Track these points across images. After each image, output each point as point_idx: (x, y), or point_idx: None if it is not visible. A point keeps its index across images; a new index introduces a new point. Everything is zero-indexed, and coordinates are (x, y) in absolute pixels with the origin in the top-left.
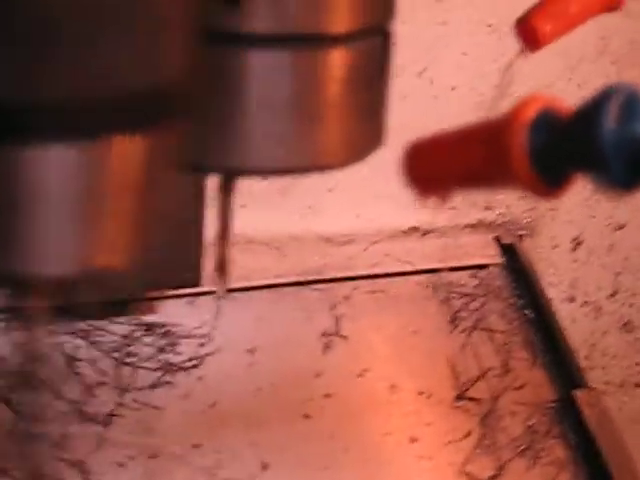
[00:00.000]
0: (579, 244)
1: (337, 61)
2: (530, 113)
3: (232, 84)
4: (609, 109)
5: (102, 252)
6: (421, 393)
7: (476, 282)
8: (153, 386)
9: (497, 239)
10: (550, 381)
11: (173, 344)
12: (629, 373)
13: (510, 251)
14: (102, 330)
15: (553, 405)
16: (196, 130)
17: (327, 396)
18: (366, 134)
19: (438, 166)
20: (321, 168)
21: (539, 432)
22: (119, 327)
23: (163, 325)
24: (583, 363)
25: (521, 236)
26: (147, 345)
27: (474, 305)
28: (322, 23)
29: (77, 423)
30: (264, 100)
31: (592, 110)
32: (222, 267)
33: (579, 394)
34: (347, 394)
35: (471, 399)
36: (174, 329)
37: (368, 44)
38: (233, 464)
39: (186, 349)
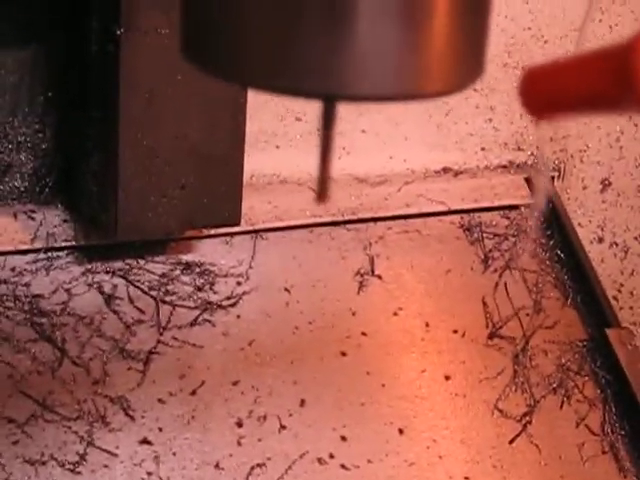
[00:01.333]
0: (608, 185)
1: None
2: None
3: (344, 15)
4: None
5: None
6: (455, 331)
7: (507, 222)
8: (192, 324)
9: (528, 180)
10: (581, 320)
11: (211, 283)
12: None
13: None
14: (141, 269)
15: (584, 343)
16: (299, 51)
17: (363, 334)
18: (470, 62)
19: (557, 89)
20: (425, 96)
21: (571, 370)
22: (157, 266)
23: (201, 264)
24: (611, 303)
25: (551, 177)
26: (185, 284)
27: (506, 245)
28: None
29: (118, 361)
30: (372, 22)
31: None
32: (322, 196)
33: (610, 333)
34: (382, 332)
35: (504, 338)
36: (211, 268)
37: None
38: (271, 400)
39: (224, 288)
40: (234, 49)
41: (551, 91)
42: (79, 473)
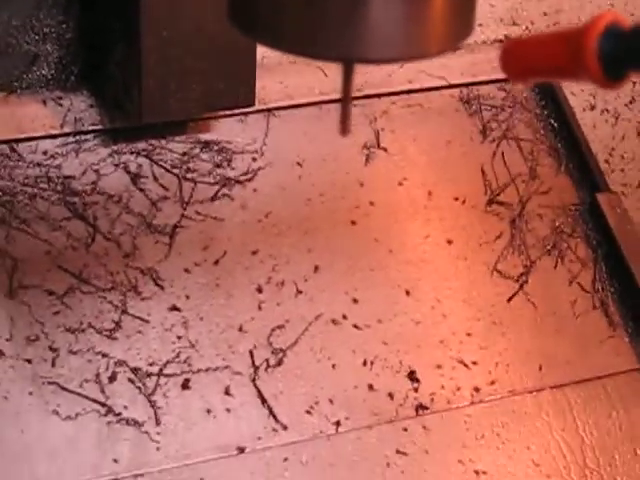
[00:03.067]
0: None
1: None
2: (602, 25)
3: None
4: None
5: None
6: (456, 199)
7: (504, 94)
8: (212, 199)
9: None
10: (574, 185)
11: (228, 160)
12: None
13: None
14: (163, 149)
15: (577, 207)
16: (324, 24)
17: (371, 204)
18: (461, 25)
19: (530, 61)
20: (425, 57)
21: (564, 232)
22: (178, 146)
23: (218, 143)
24: (603, 167)
25: None
26: (205, 161)
27: (503, 116)
28: None
29: (146, 235)
30: (385, 3)
31: None
32: (345, 129)
33: (601, 197)
34: (389, 201)
35: (501, 203)
36: (228, 146)
37: None
38: (288, 267)
39: (240, 164)
40: (272, 21)
41: (525, 62)
42: (115, 339)
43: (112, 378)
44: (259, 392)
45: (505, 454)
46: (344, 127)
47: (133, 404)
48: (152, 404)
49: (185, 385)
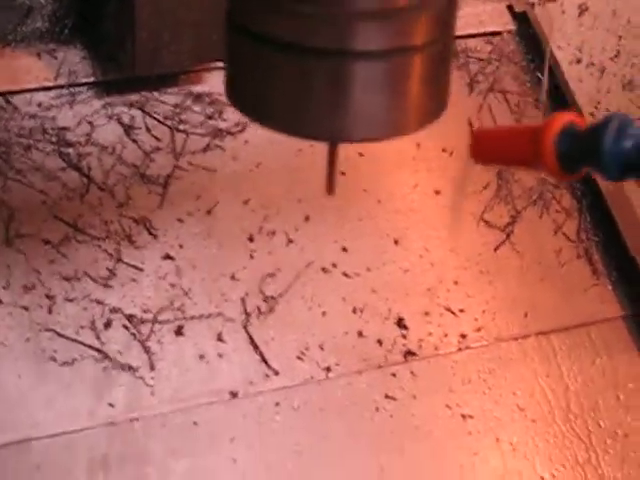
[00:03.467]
0: (585, 10)
1: (416, 63)
2: (558, 125)
3: (342, 84)
4: (610, 129)
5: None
6: (444, 150)
7: (490, 48)
8: (205, 150)
9: (510, 7)
10: None
11: (220, 111)
12: None
13: (522, 18)
14: (156, 101)
15: None
16: (311, 110)
17: (360, 155)
18: (435, 105)
19: (495, 152)
20: (401, 135)
21: (549, 183)
22: (171, 97)
23: (210, 95)
24: (588, 120)
25: (532, 4)
26: (196, 113)
27: (489, 69)
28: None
29: (139, 185)
30: (366, 92)
31: (599, 129)
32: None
33: None
34: (378, 153)
35: None
36: (220, 98)
37: (435, 48)
38: (279, 217)
39: (232, 116)
40: (264, 103)
41: (492, 153)
42: (110, 287)
43: (107, 325)
44: (251, 338)
45: (491, 399)
46: (330, 188)
47: (128, 350)
48: (146, 350)
49: (179, 331)
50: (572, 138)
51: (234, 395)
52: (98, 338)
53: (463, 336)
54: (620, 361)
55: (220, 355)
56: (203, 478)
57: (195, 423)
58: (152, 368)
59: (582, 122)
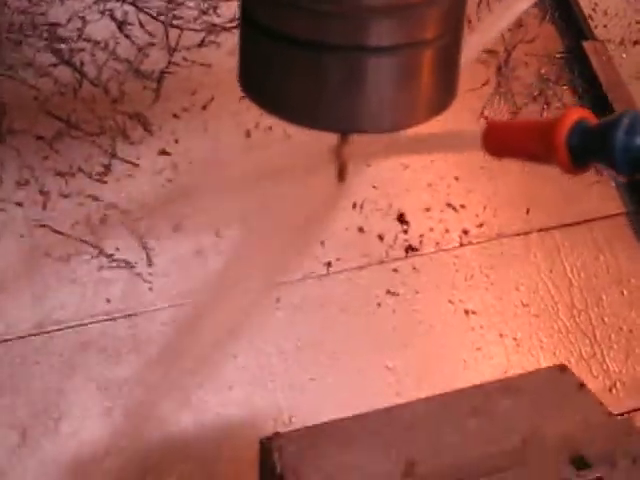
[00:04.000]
0: None
1: (426, 57)
2: (571, 120)
3: (355, 78)
4: (622, 126)
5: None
6: None
7: None
8: (199, 45)
9: None
10: (559, 34)
11: (214, 7)
12: (629, 31)
13: None
14: None
15: (562, 55)
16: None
17: None
18: (444, 97)
19: (507, 144)
20: (414, 125)
21: (550, 80)
22: None
23: None
24: None
25: None
26: (190, 8)
27: None
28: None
29: (133, 80)
30: (378, 86)
31: (611, 124)
32: (341, 177)
33: (587, 45)
34: None
35: (487, 51)
36: None
37: (446, 41)
38: None
39: (227, 11)
40: (277, 93)
41: (504, 145)
42: (105, 182)
43: (103, 221)
44: None
45: (494, 294)
46: (341, 176)
47: (125, 246)
48: (144, 246)
49: (176, 227)
50: (583, 134)
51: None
52: (94, 234)
53: (465, 232)
54: (623, 258)
55: (218, 251)
56: (205, 374)
57: (195, 319)
58: (150, 264)
59: (593, 118)
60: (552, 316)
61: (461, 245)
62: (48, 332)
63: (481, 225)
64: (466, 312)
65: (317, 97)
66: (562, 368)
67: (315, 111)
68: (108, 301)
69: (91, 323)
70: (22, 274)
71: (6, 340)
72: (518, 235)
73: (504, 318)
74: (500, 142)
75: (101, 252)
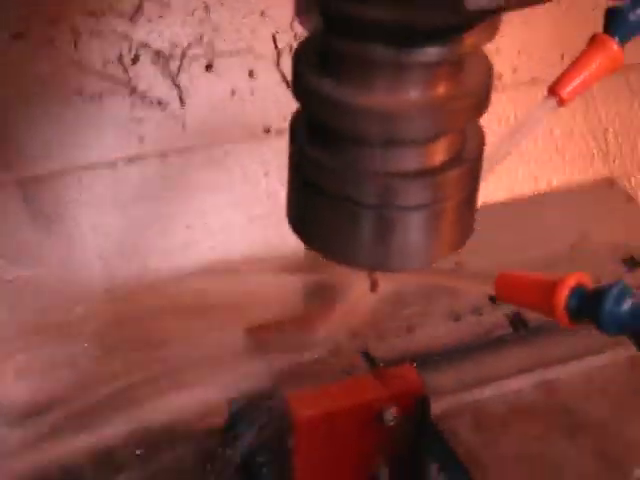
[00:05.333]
0: None
1: (448, 210)
2: (571, 283)
3: (383, 229)
4: (610, 295)
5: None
6: None
7: None
8: None
9: None
10: None
11: None
12: None
13: None
14: None
15: None
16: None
17: None
18: (462, 237)
19: (514, 297)
20: (435, 261)
21: None
22: None
23: None
24: None
25: None
26: None
27: None
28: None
29: None
30: (403, 234)
31: (602, 293)
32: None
33: None
34: None
35: None
36: None
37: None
38: None
39: None
40: (319, 236)
41: (511, 294)
42: (136, 22)
43: (135, 60)
44: (283, 76)
45: (528, 139)
46: (373, 288)
47: (157, 85)
48: (176, 85)
49: (209, 67)
50: (580, 298)
51: (267, 131)
52: (126, 72)
53: (499, 77)
54: None
55: (252, 91)
56: (238, 210)
57: (228, 157)
58: (182, 103)
59: (589, 282)
60: (587, 162)
61: (495, 90)
62: (79, 170)
63: (515, 70)
64: None
65: (349, 241)
66: (610, 182)
67: (348, 252)
68: (141, 140)
69: (123, 163)
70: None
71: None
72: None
73: (539, 163)
74: (508, 294)
75: (133, 91)
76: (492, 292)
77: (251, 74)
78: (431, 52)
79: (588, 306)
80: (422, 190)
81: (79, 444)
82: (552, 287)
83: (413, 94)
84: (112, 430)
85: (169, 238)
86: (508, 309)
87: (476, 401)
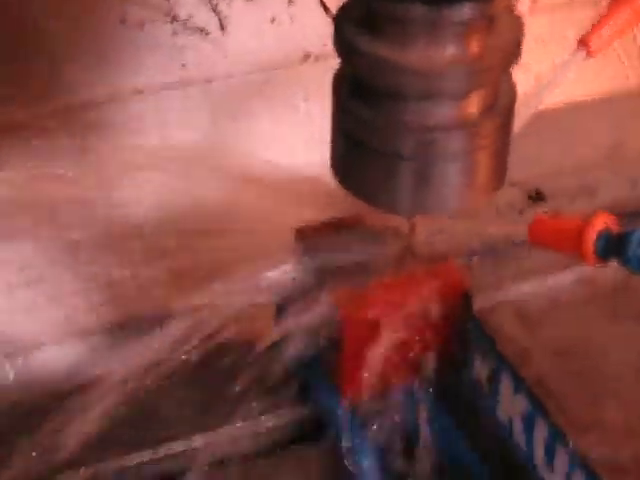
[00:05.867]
0: None
1: (482, 158)
2: (598, 226)
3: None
4: (636, 236)
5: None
6: None
7: None
8: None
9: None
10: None
11: None
12: None
13: None
14: None
15: None
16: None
17: None
18: (495, 183)
19: (546, 239)
20: (470, 207)
21: None
22: None
23: None
24: None
25: None
26: None
27: None
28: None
29: None
30: (440, 182)
31: (628, 235)
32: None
33: None
34: None
35: None
36: None
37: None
38: None
39: None
40: (364, 186)
41: (543, 236)
42: None
43: None
44: (322, 2)
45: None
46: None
47: (198, 12)
48: (217, 12)
49: None
50: (607, 239)
51: (307, 56)
52: (167, 1)
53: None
54: None
55: (292, 17)
56: (280, 134)
57: (270, 83)
58: (223, 30)
59: (615, 223)
60: (623, 83)
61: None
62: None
63: None
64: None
65: (392, 191)
66: None
67: (388, 198)
68: (183, 66)
69: (166, 89)
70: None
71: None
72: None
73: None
74: (541, 237)
75: (174, 18)
76: (526, 237)
77: (290, 1)
78: (466, 10)
79: (615, 248)
80: (457, 141)
81: None
82: (581, 230)
83: (449, 50)
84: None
85: None
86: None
87: (518, 296)
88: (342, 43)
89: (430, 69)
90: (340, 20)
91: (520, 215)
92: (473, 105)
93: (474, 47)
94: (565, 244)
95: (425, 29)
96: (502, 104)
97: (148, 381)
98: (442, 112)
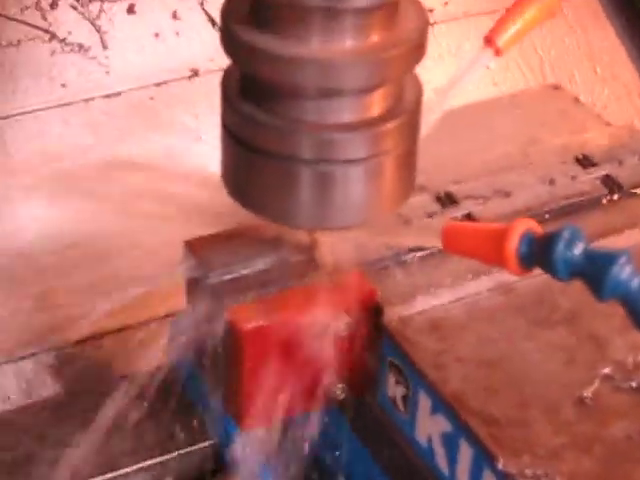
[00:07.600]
0: None
1: (387, 164)
2: (521, 230)
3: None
4: (562, 239)
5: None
6: None
7: None
8: None
9: None
10: None
11: None
12: None
13: None
14: None
15: None
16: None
17: None
18: (403, 193)
19: (463, 244)
20: (373, 220)
21: None
22: None
23: None
24: None
25: None
26: None
27: None
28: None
29: None
30: (343, 190)
31: (554, 237)
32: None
33: None
34: None
35: None
36: None
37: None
38: None
39: None
40: (257, 198)
41: (459, 244)
42: None
43: (53, 5)
44: (209, 15)
45: None
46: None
47: (77, 29)
48: (97, 29)
49: (130, 9)
50: (530, 244)
51: (195, 73)
52: (44, 19)
53: (430, 10)
54: (595, 36)
55: (177, 33)
56: (168, 151)
57: (154, 101)
58: (105, 47)
59: (538, 228)
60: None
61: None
62: (5, 118)
63: (446, 3)
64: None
65: (288, 200)
66: (555, 86)
67: (287, 212)
68: (64, 86)
69: (47, 109)
70: None
71: None
72: (486, 14)
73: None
74: (456, 244)
75: (53, 37)
76: (440, 245)
77: (175, 15)
78: None
79: (539, 252)
80: (360, 142)
81: None
82: (501, 236)
83: (348, 42)
84: None
85: None
86: None
87: (432, 307)
88: (231, 40)
89: (328, 62)
90: (227, 15)
91: (430, 220)
92: (375, 103)
93: (376, 37)
94: (484, 251)
95: (322, 18)
96: (408, 103)
97: None
98: (341, 110)
